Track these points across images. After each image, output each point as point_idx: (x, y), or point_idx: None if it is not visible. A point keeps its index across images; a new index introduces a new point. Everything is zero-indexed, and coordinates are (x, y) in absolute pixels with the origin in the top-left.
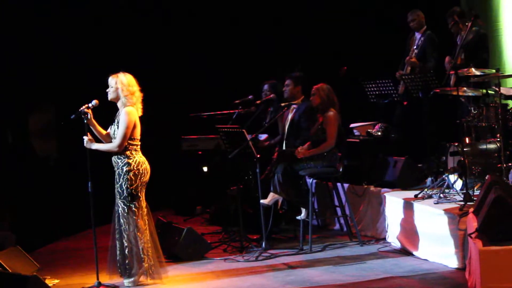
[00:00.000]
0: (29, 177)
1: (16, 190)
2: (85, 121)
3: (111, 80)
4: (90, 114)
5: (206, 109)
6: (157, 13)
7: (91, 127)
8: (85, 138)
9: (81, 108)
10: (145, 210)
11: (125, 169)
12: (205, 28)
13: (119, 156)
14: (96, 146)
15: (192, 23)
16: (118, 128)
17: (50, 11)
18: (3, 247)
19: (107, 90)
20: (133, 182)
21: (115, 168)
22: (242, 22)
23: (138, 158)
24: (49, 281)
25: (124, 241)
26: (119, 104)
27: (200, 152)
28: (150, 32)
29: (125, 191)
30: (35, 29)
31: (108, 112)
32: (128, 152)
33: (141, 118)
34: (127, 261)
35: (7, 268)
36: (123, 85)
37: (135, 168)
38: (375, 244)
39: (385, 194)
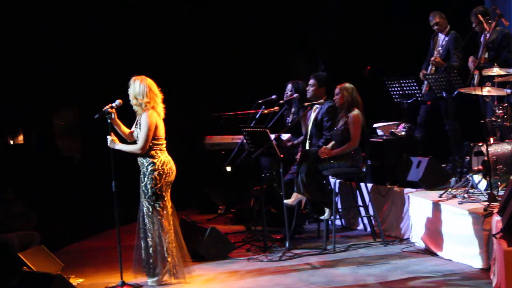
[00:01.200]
0: (54, 177)
1: (41, 190)
2: (109, 120)
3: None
4: (114, 114)
5: (230, 109)
6: (180, 12)
7: (115, 127)
8: (109, 138)
9: (105, 108)
10: (170, 209)
11: (150, 168)
12: (230, 28)
13: (144, 156)
14: (119, 146)
15: (217, 22)
16: (140, 130)
17: (73, 12)
18: (28, 246)
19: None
20: (158, 182)
21: (140, 168)
22: (266, 22)
23: (163, 157)
24: (73, 280)
25: (148, 240)
26: (137, 108)
27: (223, 152)
28: (174, 32)
29: (149, 190)
30: (59, 29)
31: (132, 112)
32: (153, 152)
33: (165, 118)
34: (151, 261)
35: (32, 267)
36: (135, 94)
37: (160, 168)
38: (399, 244)
39: (408, 194)
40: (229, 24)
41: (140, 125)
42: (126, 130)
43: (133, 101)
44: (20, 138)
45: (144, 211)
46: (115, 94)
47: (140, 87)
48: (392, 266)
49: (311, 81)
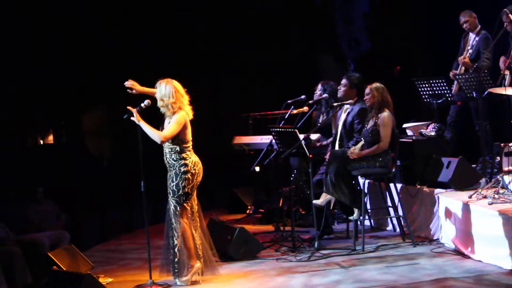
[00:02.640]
0: (83, 176)
1: (70, 189)
2: (126, 116)
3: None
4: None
5: (259, 109)
6: (208, 13)
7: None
8: (134, 111)
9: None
10: (196, 208)
11: (182, 169)
12: (259, 27)
13: (174, 158)
14: (144, 125)
15: (247, 22)
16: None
17: (101, 11)
18: (58, 245)
19: None
20: (190, 182)
21: (170, 168)
22: (295, 22)
23: (194, 158)
24: (102, 280)
25: (175, 239)
26: (164, 110)
27: (252, 152)
28: (204, 32)
29: (181, 190)
30: (88, 29)
31: (159, 115)
32: (184, 154)
33: (193, 118)
34: (178, 260)
35: (62, 266)
36: (162, 96)
37: (192, 169)
38: (428, 245)
39: (438, 194)
40: (259, 23)
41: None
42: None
43: (160, 103)
44: (50, 138)
45: (172, 210)
46: (144, 94)
47: (166, 89)
48: (421, 266)
49: (344, 81)
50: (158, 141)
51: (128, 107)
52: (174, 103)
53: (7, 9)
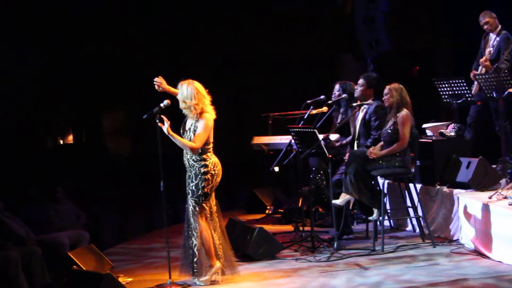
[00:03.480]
0: (103, 176)
1: (90, 189)
2: (157, 121)
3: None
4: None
5: (278, 109)
6: (228, 13)
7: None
8: (166, 124)
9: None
10: (214, 208)
11: (203, 170)
12: (279, 28)
13: (195, 158)
14: (175, 136)
15: (264, 22)
16: (193, 135)
17: (122, 11)
18: (78, 245)
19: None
20: (210, 183)
21: (189, 169)
22: (315, 22)
23: (213, 159)
24: (122, 279)
25: (194, 239)
26: (186, 112)
27: (271, 152)
28: (222, 33)
29: (200, 190)
30: (108, 30)
31: (180, 115)
32: (204, 155)
33: (215, 119)
34: (197, 260)
35: (82, 266)
36: (183, 97)
37: (212, 170)
38: (448, 246)
39: (458, 195)
40: (279, 23)
41: (193, 128)
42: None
43: (182, 105)
44: (70, 138)
45: (190, 210)
46: (163, 94)
47: (188, 90)
48: (441, 267)
49: (360, 81)
50: (190, 152)
51: (159, 124)
52: (197, 105)
53: (27, 10)
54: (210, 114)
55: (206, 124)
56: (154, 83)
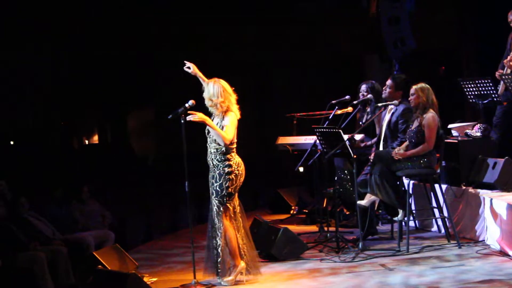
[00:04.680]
0: (128, 176)
1: (115, 189)
2: (182, 121)
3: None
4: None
5: (303, 109)
6: (255, 13)
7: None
8: (198, 114)
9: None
10: (238, 208)
11: (227, 170)
12: (304, 28)
13: (219, 158)
14: (211, 126)
15: (290, 23)
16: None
17: (147, 12)
18: (103, 245)
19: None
20: (234, 183)
21: (214, 169)
22: (339, 23)
23: (237, 159)
24: (147, 279)
25: (218, 239)
26: (213, 110)
27: (296, 153)
28: (247, 34)
29: (224, 190)
30: (134, 31)
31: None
32: (229, 155)
33: (239, 119)
34: (221, 260)
35: (107, 265)
36: (210, 95)
37: (236, 170)
38: (474, 246)
39: (484, 195)
40: (305, 24)
41: (219, 127)
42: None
43: (208, 103)
44: (95, 138)
45: (215, 210)
46: (188, 94)
47: (214, 88)
48: (467, 268)
49: (389, 82)
50: (222, 143)
51: (193, 113)
52: (223, 102)
53: (52, 11)
54: (235, 114)
55: (232, 120)
56: (185, 67)
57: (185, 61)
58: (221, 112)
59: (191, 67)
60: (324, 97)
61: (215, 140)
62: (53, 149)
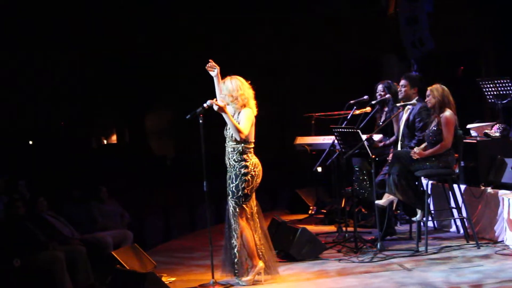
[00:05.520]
0: (146, 176)
1: (133, 189)
2: (200, 121)
3: (224, 87)
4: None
5: (321, 109)
6: (273, 14)
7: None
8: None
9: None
10: (255, 209)
11: (243, 171)
12: (322, 28)
13: (236, 159)
14: (227, 116)
15: (308, 23)
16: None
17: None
18: (121, 244)
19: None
20: (250, 184)
21: (231, 169)
22: (357, 23)
23: (254, 160)
24: (165, 279)
25: (235, 240)
26: (229, 108)
27: (314, 153)
28: (265, 34)
29: (240, 191)
30: (155, 31)
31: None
32: (245, 155)
33: (257, 119)
34: (238, 260)
35: (125, 265)
36: (229, 91)
37: (252, 171)
38: (493, 247)
39: (503, 196)
40: (323, 24)
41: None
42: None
43: (229, 99)
44: (114, 138)
45: (231, 211)
46: (207, 94)
47: (232, 83)
48: (485, 268)
49: (403, 82)
50: (238, 136)
51: (215, 102)
52: (242, 95)
53: (74, 12)
54: (252, 109)
55: (247, 116)
56: (209, 65)
57: (210, 60)
58: (241, 106)
59: (216, 70)
60: (342, 97)
61: (232, 138)
62: (72, 149)
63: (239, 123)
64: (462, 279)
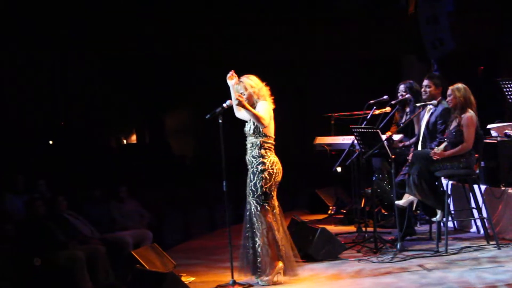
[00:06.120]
0: (166, 176)
1: (153, 189)
2: (220, 120)
3: (239, 87)
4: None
5: (341, 109)
6: (293, 14)
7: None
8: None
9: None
10: (277, 209)
11: (260, 168)
12: (343, 28)
13: (254, 155)
14: (246, 106)
15: (328, 23)
16: (254, 126)
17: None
18: (141, 244)
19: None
20: (267, 182)
21: (249, 167)
22: (379, 23)
23: (273, 158)
24: (185, 279)
25: (256, 239)
26: (255, 99)
27: (334, 153)
28: (285, 34)
29: (259, 189)
30: (173, 31)
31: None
32: (263, 151)
33: (276, 119)
34: (259, 260)
35: (145, 265)
36: (252, 88)
37: (270, 168)
38: None
39: None
40: (343, 24)
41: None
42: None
43: (256, 94)
44: (133, 138)
45: (252, 210)
46: (226, 94)
47: (250, 79)
48: (506, 269)
49: (426, 82)
50: (260, 124)
51: (236, 93)
52: (261, 90)
53: (95, 13)
54: (269, 103)
55: (265, 106)
56: (229, 75)
57: (232, 71)
58: (263, 99)
59: (235, 79)
60: (362, 97)
61: (251, 133)
62: (91, 149)
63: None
64: (482, 280)
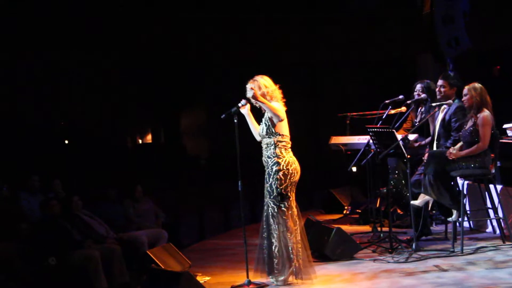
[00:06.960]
0: (181, 176)
1: (168, 188)
2: (235, 120)
3: (249, 86)
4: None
5: (356, 109)
6: (305, 14)
7: (247, 120)
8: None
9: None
10: (295, 210)
11: (274, 168)
12: (357, 28)
13: (269, 154)
14: (262, 100)
15: (343, 22)
16: (266, 127)
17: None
18: (156, 244)
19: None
20: (283, 182)
21: (266, 168)
22: (393, 22)
23: (288, 157)
24: (200, 278)
25: (273, 240)
26: (269, 98)
27: (349, 153)
28: (299, 34)
29: (275, 190)
30: (187, 31)
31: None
32: (278, 151)
33: (291, 119)
34: (275, 261)
35: (160, 264)
36: (266, 88)
37: (285, 168)
38: None
39: None
40: (357, 23)
41: (267, 117)
42: (257, 126)
43: (270, 94)
44: (149, 138)
45: (270, 211)
46: (241, 94)
47: (263, 79)
48: None
49: (441, 82)
50: (276, 118)
51: (252, 89)
52: (274, 91)
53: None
54: (281, 104)
55: (278, 104)
56: (243, 104)
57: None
58: (271, 100)
59: (252, 92)
60: (377, 97)
61: (265, 134)
62: (107, 148)
63: (270, 118)
64: (498, 280)
